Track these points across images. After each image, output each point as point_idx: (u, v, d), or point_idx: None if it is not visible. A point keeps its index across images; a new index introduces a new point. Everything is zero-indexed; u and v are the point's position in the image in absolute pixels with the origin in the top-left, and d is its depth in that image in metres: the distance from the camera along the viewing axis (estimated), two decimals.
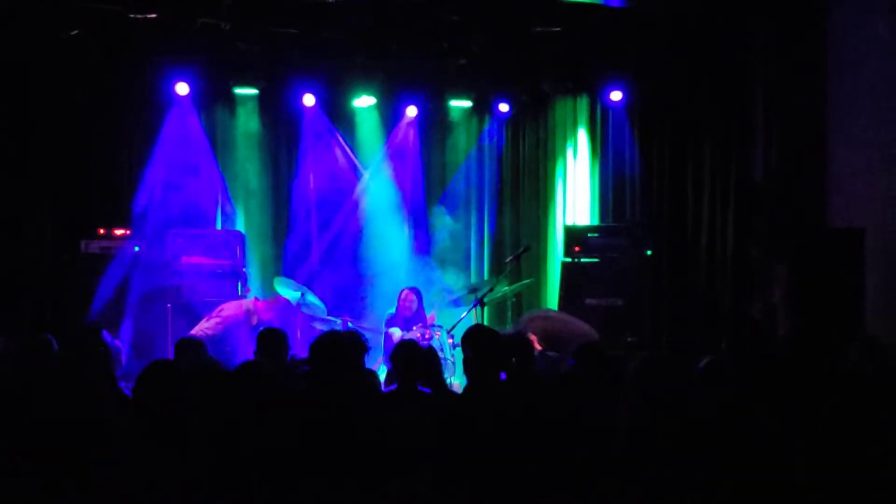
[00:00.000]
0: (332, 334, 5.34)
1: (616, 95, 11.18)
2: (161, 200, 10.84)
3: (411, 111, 11.68)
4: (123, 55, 10.70)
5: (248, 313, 9.32)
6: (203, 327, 9.21)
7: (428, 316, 10.10)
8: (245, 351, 9.16)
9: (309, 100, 11.36)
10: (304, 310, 10.15)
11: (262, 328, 9.34)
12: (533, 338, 7.48)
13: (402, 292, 10.26)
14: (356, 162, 11.83)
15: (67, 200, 10.77)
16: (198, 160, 11.29)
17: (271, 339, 6.44)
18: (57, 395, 4.66)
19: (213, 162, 11.43)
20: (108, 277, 10.08)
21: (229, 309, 9.37)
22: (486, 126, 11.97)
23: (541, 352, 7.90)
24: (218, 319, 9.22)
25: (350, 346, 5.20)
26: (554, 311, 10.20)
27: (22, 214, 10.56)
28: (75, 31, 10.30)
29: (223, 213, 11.47)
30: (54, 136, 10.68)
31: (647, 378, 4.59)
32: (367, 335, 9.65)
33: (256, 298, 9.94)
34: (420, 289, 10.33)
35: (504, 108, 11.67)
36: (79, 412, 4.46)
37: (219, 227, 11.30)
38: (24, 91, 10.53)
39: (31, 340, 5.90)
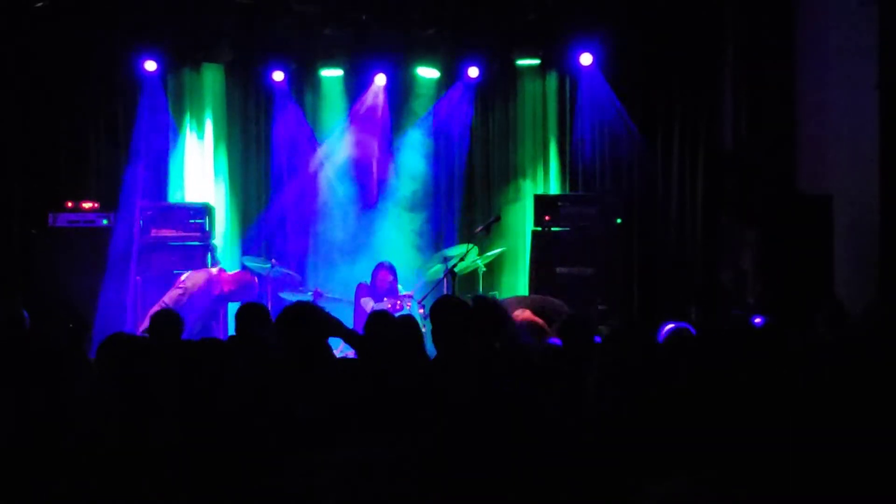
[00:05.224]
0: (295, 306, 5.37)
1: (586, 59, 11.10)
2: (129, 174, 10.77)
3: (380, 79, 11.55)
4: (91, 27, 10.66)
5: (211, 283, 9.21)
6: (167, 297, 9.13)
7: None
8: (205, 321, 9.14)
9: (278, 75, 11.28)
10: (275, 273, 10.09)
11: (225, 300, 9.39)
12: (527, 315, 7.25)
13: (377, 270, 10.17)
14: (315, 135, 11.70)
15: (36, 173, 10.71)
16: (167, 134, 11.22)
17: (252, 314, 6.35)
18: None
19: (184, 136, 11.36)
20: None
21: (193, 278, 9.28)
22: (456, 93, 11.78)
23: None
24: (181, 290, 9.12)
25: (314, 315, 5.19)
26: (517, 296, 10.07)
27: None
28: (41, 3, 10.20)
29: (191, 186, 11.39)
30: (23, 107, 10.64)
31: (615, 349, 4.58)
32: (338, 306, 9.74)
33: (222, 270, 9.81)
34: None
35: (474, 72, 11.38)
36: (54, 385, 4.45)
37: (186, 200, 11.18)
38: None
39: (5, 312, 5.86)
